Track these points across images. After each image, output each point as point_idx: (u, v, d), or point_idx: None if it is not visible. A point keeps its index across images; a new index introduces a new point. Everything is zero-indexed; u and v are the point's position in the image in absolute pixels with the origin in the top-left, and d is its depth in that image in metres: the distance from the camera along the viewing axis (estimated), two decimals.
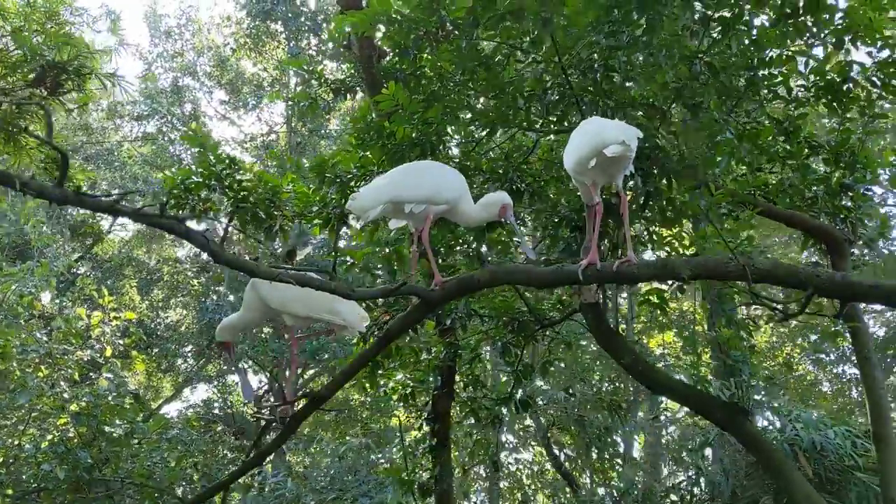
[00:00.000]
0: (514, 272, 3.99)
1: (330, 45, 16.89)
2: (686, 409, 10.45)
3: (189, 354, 21.15)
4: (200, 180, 6.64)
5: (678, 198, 5.74)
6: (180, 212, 6.81)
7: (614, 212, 6.11)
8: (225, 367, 20.29)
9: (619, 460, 10.63)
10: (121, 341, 16.45)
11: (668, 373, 7.67)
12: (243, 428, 18.88)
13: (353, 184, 6.61)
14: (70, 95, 5.52)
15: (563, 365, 9.76)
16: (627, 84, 6.47)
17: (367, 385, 7.42)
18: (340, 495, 13.15)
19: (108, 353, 14.70)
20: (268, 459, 11.34)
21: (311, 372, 20.09)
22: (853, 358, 14.47)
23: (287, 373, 5.00)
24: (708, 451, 9.55)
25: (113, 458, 8.96)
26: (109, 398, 8.94)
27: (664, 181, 5.83)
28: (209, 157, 6.51)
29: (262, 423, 4.68)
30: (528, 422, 12.53)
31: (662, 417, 12.24)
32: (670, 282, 6.06)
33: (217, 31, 21.18)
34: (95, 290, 19.33)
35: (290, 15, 19.65)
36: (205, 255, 20.16)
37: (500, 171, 6.48)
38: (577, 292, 6.96)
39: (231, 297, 18.13)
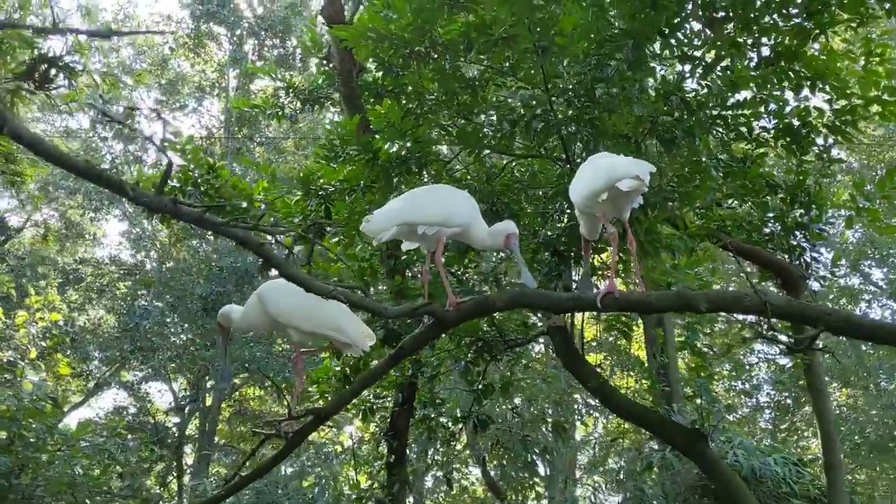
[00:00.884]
0: (532, 296, 4.07)
1: (297, 52, 16.82)
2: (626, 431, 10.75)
3: (105, 359, 20.42)
4: (176, 185, 6.55)
5: (656, 229, 5.94)
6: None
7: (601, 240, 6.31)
8: (143, 374, 19.66)
9: (561, 480, 10.87)
10: (43, 343, 15.86)
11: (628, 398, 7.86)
12: (164, 437, 18.38)
13: (333, 198, 6.61)
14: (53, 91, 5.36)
15: (524, 385, 9.89)
16: (605, 115, 6.68)
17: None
18: None
19: (33, 354, 14.15)
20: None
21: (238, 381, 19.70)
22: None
23: (295, 387, 4.89)
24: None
25: (31, 464, 8.63)
26: (26, 401, 8.63)
27: (642, 212, 6.03)
28: (188, 161, 6.41)
29: (261, 437, 4.59)
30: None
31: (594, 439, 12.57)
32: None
33: (156, 27, 20.73)
34: (14, 289, 18.57)
35: (232, 19, 19.44)
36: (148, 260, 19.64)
37: (479, 193, 6.56)
38: (547, 316, 7.12)
39: (159, 303, 17.67)
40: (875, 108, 6.67)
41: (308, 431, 4.17)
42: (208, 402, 18.66)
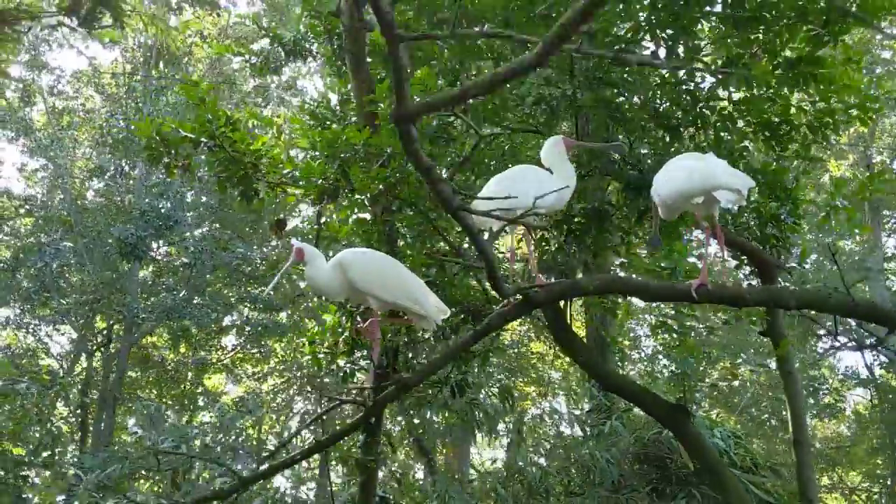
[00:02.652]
0: (629, 283, 4.23)
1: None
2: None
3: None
4: (186, 135, 6.32)
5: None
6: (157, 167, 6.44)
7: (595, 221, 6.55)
8: (47, 316, 18.67)
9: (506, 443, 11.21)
10: None
11: (618, 372, 8.21)
12: (66, 382, 17.59)
13: (352, 162, 6.51)
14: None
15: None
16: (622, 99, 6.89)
17: (315, 363, 7.39)
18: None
19: None
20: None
21: None
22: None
23: (372, 356, 4.78)
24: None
25: None
26: None
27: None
28: (206, 112, 6.18)
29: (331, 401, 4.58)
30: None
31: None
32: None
33: None
34: None
35: None
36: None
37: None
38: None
39: (70, 243, 16.78)
40: (855, 112, 7.17)
41: (388, 401, 4.21)
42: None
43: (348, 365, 7.60)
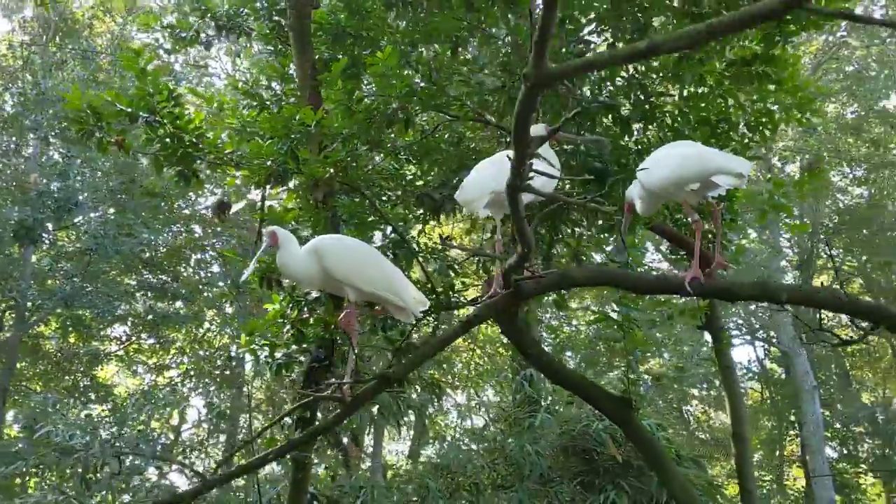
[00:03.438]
0: (617, 275, 4.14)
1: None
2: None
3: None
4: (123, 108, 5.87)
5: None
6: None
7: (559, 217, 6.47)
8: None
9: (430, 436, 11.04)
10: None
11: (566, 365, 8.15)
12: None
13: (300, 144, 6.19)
14: None
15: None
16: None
17: (252, 354, 7.06)
18: None
19: None
20: None
21: None
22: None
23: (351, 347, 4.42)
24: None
25: None
26: None
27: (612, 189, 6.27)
28: (147, 85, 5.75)
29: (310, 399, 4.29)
30: None
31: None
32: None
33: None
34: None
35: None
36: None
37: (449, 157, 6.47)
38: (488, 281, 7.19)
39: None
40: (795, 113, 7.35)
41: (369, 396, 3.98)
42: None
43: (284, 357, 7.27)
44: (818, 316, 4.07)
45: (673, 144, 4.38)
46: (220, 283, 19.72)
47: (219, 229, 19.99)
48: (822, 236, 19.52)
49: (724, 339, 7.40)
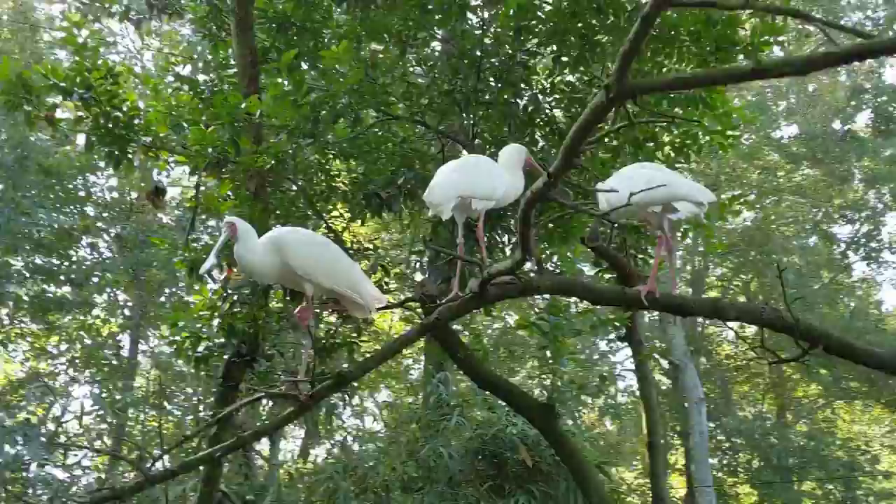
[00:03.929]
0: (577, 285, 4.20)
1: None
2: None
3: None
4: (56, 83, 5.58)
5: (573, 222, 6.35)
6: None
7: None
8: None
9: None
10: None
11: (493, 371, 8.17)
12: None
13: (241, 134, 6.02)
14: None
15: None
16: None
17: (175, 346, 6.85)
18: None
19: None
20: None
21: None
22: None
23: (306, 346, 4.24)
24: None
25: None
26: None
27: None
28: (85, 61, 5.48)
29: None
30: None
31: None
32: None
33: None
34: None
35: None
36: None
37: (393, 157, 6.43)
38: (420, 283, 7.20)
39: None
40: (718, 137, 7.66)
41: (324, 395, 3.91)
42: None
43: (205, 349, 7.06)
44: (762, 334, 4.24)
45: (639, 165, 4.50)
46: (112, 270, 18.94)
47: (115, 213, 19.27)
48: (711, 256, 20.43)
49: (641, 352, 7.65)
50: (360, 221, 7.21)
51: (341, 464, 10.20)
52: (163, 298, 20.37)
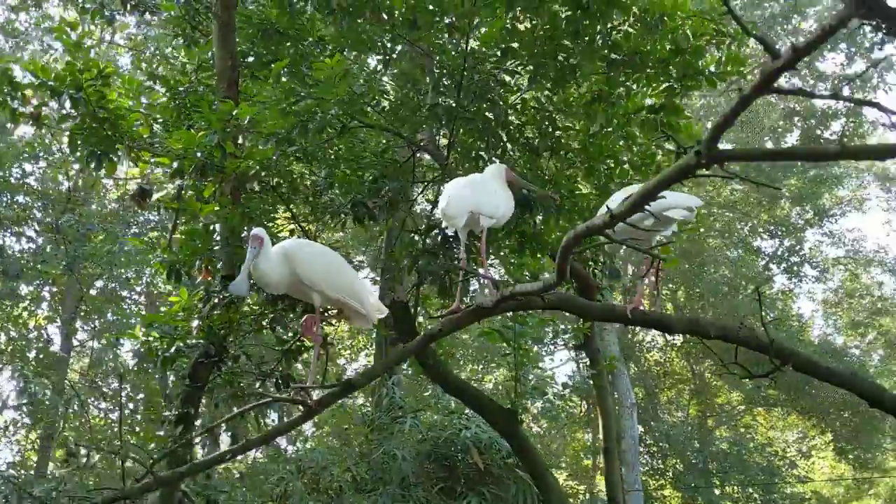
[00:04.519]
0: (575, 301, 4.44)
1: None
2: None
3: None
4: (44, 81, 5.58)
5: (546, 237, 6.61)
6: None
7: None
8: None
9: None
10: None
11: (459, 376, 8.36)
12: None
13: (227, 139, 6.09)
14: None
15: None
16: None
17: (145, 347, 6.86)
18: None
19: None
20: None
21: None
22: None
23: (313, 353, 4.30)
24: None
25: None
26: None
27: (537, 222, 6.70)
28: (78, 61, 5.49)
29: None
30: None
31: None
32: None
33: None
34: None
35: None
36: None
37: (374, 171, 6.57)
38: (390, 289, 7.39)
39: None
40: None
41: (331, 401, 4.06)
42: None
43: (177, 350, 7.08)
44: (735, 350, 4.56)
45: (629, 188, 4.79)
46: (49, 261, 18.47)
47: (48, 202, 18.81)
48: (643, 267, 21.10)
49: (598, 360, 7.98)
50: (341, 227, 7.33)
51: (294, 464, 10.25)
52: (94, 291, 20.00)
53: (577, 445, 22.88)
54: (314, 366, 4.23)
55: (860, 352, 24.99)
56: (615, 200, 4.56)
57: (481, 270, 4.48)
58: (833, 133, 19.33)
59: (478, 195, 4.28)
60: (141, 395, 19.75)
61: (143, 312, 17.70)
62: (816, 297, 25.80)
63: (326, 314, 4.64)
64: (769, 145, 20.29)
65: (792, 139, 20.56)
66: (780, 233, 23.41)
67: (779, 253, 23.47)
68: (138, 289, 20.24)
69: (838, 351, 22.73)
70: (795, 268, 23.14)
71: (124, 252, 16.00)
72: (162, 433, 8.04)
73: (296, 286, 4.18)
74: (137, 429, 18.42)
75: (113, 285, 19.25)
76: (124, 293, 20.54)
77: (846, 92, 18.70)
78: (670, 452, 22.01)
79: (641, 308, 4.39)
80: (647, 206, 4.22)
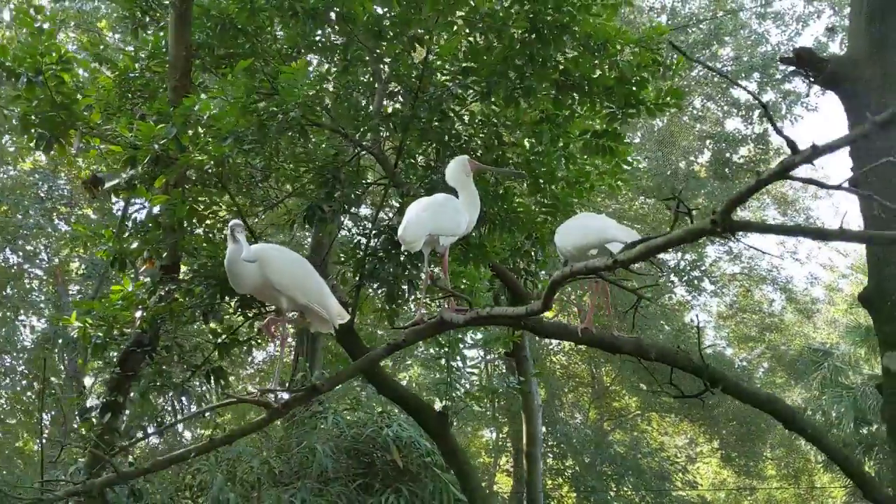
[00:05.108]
0: (540, 321, 4.68)
1: None
2: None
3: None
4: (3, 62, 5.48)
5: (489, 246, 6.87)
6: None
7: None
8: None
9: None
10: None
11: (393, 378, 8.47)
12: None
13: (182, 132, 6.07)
14: None
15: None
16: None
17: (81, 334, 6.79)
18: None
19: None
20: None
21: None
22: None
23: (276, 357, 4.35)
24: None
25: None
26: None
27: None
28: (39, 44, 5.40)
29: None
30: None
31: None
32: None
33: None
34: None
35: None
36: None
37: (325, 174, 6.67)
38: (332, 288, 7.50)
39: None
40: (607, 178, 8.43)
41: (296, 404, 4.19)
42: None
43: (110, 338, 7.01)
44: (671, 371, 4.92)
45: (580, 216, 5.09)
46: None
47: None
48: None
49: (526, 367, 8.28)
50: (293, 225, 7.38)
51: (213, 455, 10.19)
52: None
53: (478, 443, 23.32)
54: (278, 368, 4.34)
55: (746, 363, 26.41)
56: (567, 228, 4.90)
57: (450, 286, 4.67)
58: (741, 157, 20.36)
59: (437, 218, 4.46)
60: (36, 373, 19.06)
61: (51, 290, 17.16)
62: (711, 310, 27.03)
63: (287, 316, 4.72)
64: (682, 165, 21.21)
65: (703, 159, 21.55)
66: (682, 248, 24.43)
67: (680, 267, 24.50)
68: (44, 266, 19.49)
69: (727, 361, 23.95)
70: (696, 281, 24.21)
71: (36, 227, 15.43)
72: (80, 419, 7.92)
73: (265, 289, 4.28)
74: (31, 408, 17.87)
75: (16, 258, 18.50)
76: (26, 266, 19.81)
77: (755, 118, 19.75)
78: (569, 453, 22.69)
79: (592, 328, 4.70)
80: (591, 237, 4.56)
